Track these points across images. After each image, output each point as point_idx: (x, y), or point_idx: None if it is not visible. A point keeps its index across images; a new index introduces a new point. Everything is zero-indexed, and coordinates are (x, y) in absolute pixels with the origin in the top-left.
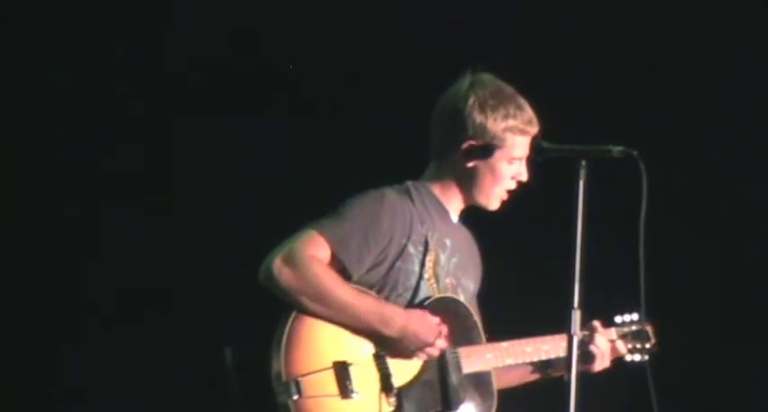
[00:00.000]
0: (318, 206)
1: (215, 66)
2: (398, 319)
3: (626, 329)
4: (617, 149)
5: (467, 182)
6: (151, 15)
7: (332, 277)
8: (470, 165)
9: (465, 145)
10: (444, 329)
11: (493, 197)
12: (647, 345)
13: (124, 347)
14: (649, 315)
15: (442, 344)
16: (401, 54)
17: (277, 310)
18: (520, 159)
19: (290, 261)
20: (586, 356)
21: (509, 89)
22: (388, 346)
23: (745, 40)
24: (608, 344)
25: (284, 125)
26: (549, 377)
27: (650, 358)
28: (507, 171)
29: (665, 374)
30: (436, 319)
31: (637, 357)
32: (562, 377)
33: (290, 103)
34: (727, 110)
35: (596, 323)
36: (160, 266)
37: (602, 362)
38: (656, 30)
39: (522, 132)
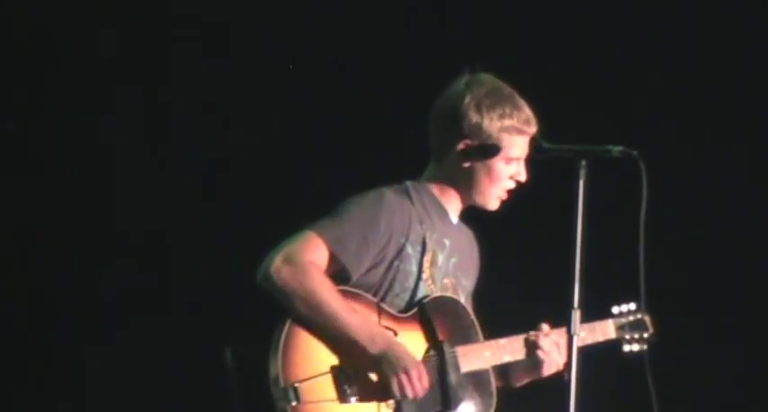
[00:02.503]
0: (318, 206)
1: (215, 65)
2: (386, 339)
3: (623, 320)
4: (617, 149)
5: (464, 182)
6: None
7: (327, 286)
8: (467, 165)
9: (461, 145)
10: (425, 382)
11: (491, 197)
12: (645, 335)
13: (124, 347)
14: (649, 314)
15: (417, 384)
16: (401, 54)
17: (277, 311)
18: (518, 159)
19: (289, 263)
20: (533, 362)
21: (507, 88)
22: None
23: (745, 40)
24: (554, 346)
25: (284, 125)
26: (512, 387)
27: (648, 348)
28: (505, 171)
29: (665, 373)
30: (425, 372)
31: (635, 347)
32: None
33: (289, 103)
34: (727, 110)
35: (544, 325)
36: (160, 266)
37: (550, 366)
38: (657, 29)
39: (520, 132)
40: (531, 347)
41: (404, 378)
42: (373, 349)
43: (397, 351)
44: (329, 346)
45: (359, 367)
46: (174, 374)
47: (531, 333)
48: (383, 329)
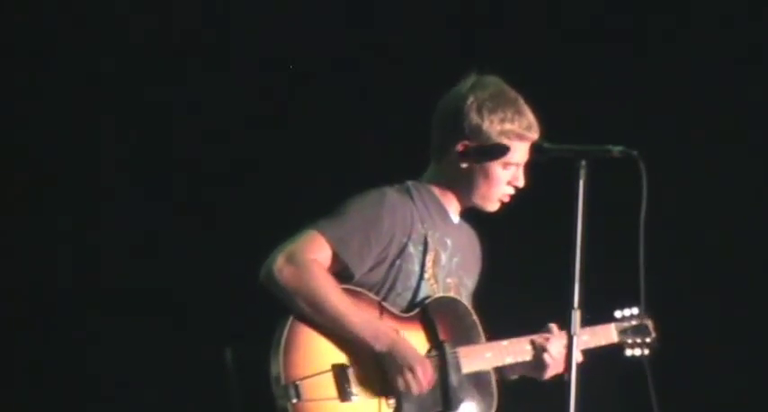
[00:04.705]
0: (318, 206)
1: (214, 65)
2: (390, 336)
3: (626, 324)
4: (617, 149)
5: (462, 183)
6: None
7: (331, 284)
8: (465, 166)
9: (460, 146)
10: (430, 377)
11: (489, 200)
12: (648, 340)
13: (124, 347)
14: (649, 315)
15: (422, 379)
16: (402, 54)
17: (277, 310)
18: (516, 165)
19: (292, 262)
20: (538, 364)
21: (511, 93)
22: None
23: (745, 40)
24: (563, 351)
25: (283, 125)
26: (506, 379)
27: (650, 353)
28: (502, 175)
29: (665, 373)
30: (429, 368)
31: (637, 352)
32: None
33: (290, 103)
34: (727, 110)
35: (553, 326)
36: (160, 266)
37: (554, 369)
38: (657, 29)
39: (520, 137)
40: (539, 350)
41: (409, 375)
42: (378, 347)
43: (401, 348)
44: (333, 344)
45: (363, 365)
46: (175, 374)
47: (539, 335)
48: (387, 326)
